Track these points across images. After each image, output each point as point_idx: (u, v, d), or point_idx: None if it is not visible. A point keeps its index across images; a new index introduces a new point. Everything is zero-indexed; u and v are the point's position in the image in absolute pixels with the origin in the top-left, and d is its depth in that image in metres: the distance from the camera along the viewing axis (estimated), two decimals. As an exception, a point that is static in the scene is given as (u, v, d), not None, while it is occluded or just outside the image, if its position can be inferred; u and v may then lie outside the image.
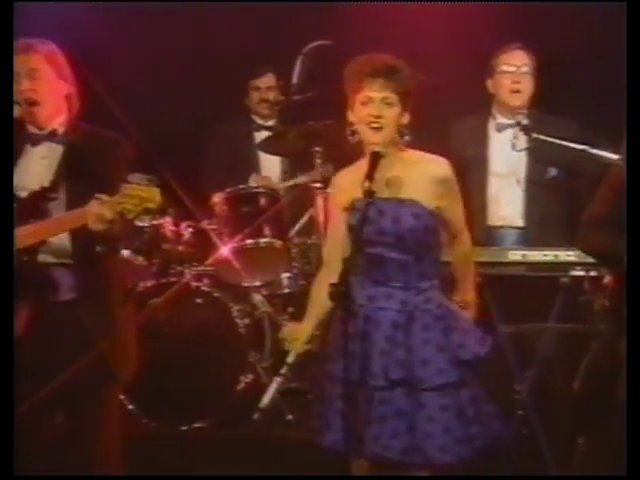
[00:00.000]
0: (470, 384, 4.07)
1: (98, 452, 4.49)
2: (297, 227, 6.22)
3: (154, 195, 4.13)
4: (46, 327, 4.32)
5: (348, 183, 4.16)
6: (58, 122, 4.42)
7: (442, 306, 4.13)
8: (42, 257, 4.31)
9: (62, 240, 4.30)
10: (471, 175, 5.79)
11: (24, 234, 4.26)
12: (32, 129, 4.41)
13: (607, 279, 4.54)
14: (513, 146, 5.81)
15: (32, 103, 4.35)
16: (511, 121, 5.85)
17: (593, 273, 5.23)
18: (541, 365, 5.36)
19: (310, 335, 4.19)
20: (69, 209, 4.27)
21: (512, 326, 5.18)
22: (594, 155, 5.42)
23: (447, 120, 6.08)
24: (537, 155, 5.78)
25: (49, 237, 4.27)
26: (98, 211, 4.09)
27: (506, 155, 5.88)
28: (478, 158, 5.90)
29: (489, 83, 5.92)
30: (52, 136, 4.40)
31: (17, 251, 4.26)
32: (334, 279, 3.84)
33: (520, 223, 5.85)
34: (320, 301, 4.12)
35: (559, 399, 5.32)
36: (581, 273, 5.26)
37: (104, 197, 4.08)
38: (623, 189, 4.02)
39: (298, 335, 4.18)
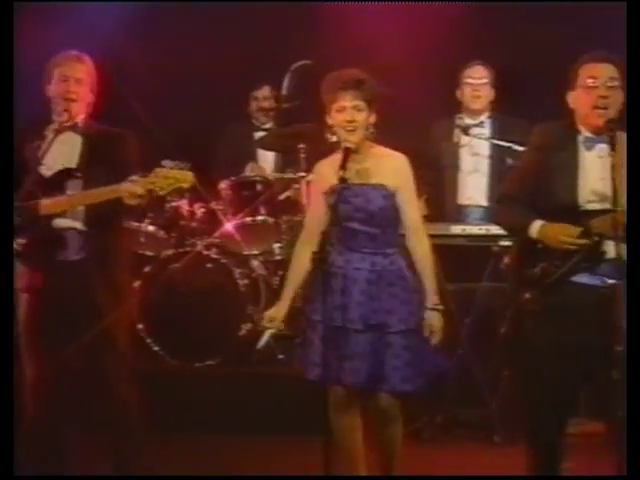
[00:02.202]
0: (422, 330, 4.04)
1: (118, 388, 4.36)
2: (280, 198, 6.13)
3: (188, 177, 4.10)
4: (57, 282, 4.21)
5: (326, 171, 4.12)
6: (80, 118, 4.33)
7: (401, 269, 4.09)
8: (56, 222, 4.20)
9: (78, 209, 4.22)
10: (444, 165, 5.86)
11: (52, 204, 4.17)
12: (58, 119, 4.28)
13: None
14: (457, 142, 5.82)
15: (72, 100, 4.27)
16: (475, 122, 5.85)
17: None
18: (477, 314, 5.36)
19: (285, 316, 4.12)
20: (86, 187, 4.20)
21: (454, 284, 5.16)
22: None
23: (422, 122, 6.04)
24: (497, 148, 5.74)
25: (80, 206, 4.19)
26: (132, 189, 4.04)
27: (472, 149, 5.87)
28: (450, 151, 5.89)
29: (458, 92, 5.93)
30: (73, 128, 4.31)
31: (39, 217, 4.14)
32: (314, 249, 3.84)
33: (483, 203, 5.82)
34: (300, 269, 4.11)
35: (490, 341, 5.30)
36: (508, 243, 5.06)
37: (136, 177, 4.03)
38: (528, 174, 3.96)
39: (276, 316, 4.13)
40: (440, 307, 4.07)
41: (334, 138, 4.10)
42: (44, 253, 4.23)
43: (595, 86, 3.81)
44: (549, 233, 3.82)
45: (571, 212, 3.83)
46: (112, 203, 4.13)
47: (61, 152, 4.28)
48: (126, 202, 4.07)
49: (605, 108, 3.80)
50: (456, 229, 5.37)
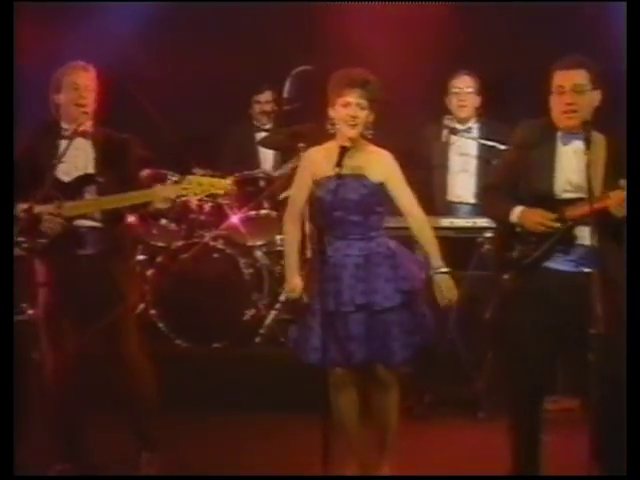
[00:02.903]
0: (411, 306, 4.05)
1: (135, 369, 4.39)
2: (282, 196, 5.99)
3: (223, 184, 4.16)
4: (77, 274, 4.25)
5: (316, 158, 4.14)
6: (89, 125, 4.33)
7: (389, 249, 4.09)
8: (78, 222, 4.23)
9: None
10: (434, 164, 5.82)
11: (76, 206, 4.20)
12: (66, 126, 4.29)
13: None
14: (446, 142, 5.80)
15: (83, 107, 4.27)
16: (463, 127, 5.81)
17: None
18: (463, 301, 5.08)
19: (300, 282, 4.11)
20: (100, 190, 4.23)
21: None
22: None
23: (414, 124, 6.02)
24: (483, 149, 5.73)
25: (111, 207, 4.21)
26: (164, 193, 4.12)
27: (460, 150, 5.84)
28: (439, 152, 5.85)
29: (446, 99, 5.89)
30: (84, 134, 4.30)
31: (65, 218, 4.16)
32: (296, 219, 3.99)
33: (471, 200, 5.77)
34: (293, 240, 4.20)
35: (475, 325, 5.31)
36: (492, 234, 5.00)
37: (169, 183, 4.08)
38: (511, 166, 4.01)
39: (293, 286, 4.13)
40: (444, 269, 4.08)
41: (333, 130, 4.09)
42: (65, 249, 4.24)
43: (563, 92, 3.85)
44: (527, 217, 3.87)
45: (548, 200, 3.88)
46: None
47: (75, 158, 4.30)
48: (157, 206, 4.15)
49: (574, 111, 3.84)
50: (445, 222, 5.36)
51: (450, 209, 5.83)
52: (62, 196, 4.20)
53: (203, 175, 4.14)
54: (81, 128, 4.29)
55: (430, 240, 4.13)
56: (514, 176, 3.98)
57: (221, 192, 4.18)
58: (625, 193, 3.68)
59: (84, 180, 4.27)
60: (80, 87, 4.29)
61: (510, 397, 4.05)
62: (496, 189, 4.06)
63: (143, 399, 4.42)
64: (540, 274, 3.87)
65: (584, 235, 3.78)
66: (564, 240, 3.82)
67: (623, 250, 3.82)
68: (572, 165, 3.84)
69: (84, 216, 4.24)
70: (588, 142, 3.75)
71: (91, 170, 4.28)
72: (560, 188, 3.88)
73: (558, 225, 3.82)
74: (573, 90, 3.84)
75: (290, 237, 4.22)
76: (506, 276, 3.93)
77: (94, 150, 4.32)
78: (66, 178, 4.26)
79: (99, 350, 4.35)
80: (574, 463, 3.78)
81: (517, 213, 3.90)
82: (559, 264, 3.86)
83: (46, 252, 4.23)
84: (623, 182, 3.69)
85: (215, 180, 4.15)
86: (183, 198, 4.17)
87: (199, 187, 4.11)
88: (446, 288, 4.07)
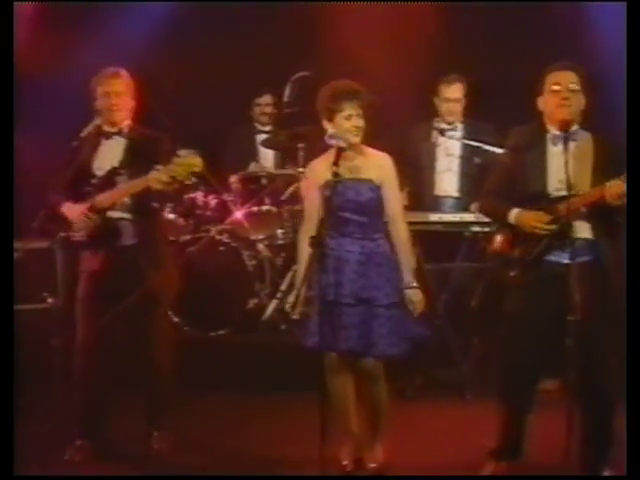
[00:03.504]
0: (405, 305, 4.07)
1: (157, 354, 4.50)
2: (284, 195, 6.17)
3: (198, 160, 4.20)
4: (115, 264, 4.35)
5: (319, 168, 4.14)
6: (125, 124, 4.47)
7: (389, 250, 4.12)
8: (110, 213, 4.35)
9: (126, 201, 4.35)
10: (423, 163, 5.83)
11: (104, 198, 4.31)
12: (107, 128, 4.45)
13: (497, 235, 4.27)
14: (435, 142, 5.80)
15: (114, 110, 4.42)
16: (450, 127, 5.77)
17: (487, 229, 5.04)
18: (451, 290, 5.40)
19: (303, 301, 4.00)
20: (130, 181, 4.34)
21: (432, 265, 5.20)
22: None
23: (404, 125, 6.02)
24: (467, 149, 5.72)
25: (123, 198, 4.32)
26: (157, 176, 4.18)
27: (447, 150, 5.82)
28: (428, 151, 5.85)
29: (436, 100, 5.84)
30: (119, 133, 4.45)
31: (95, 210, 4.29)
32: (313, 233, 3.83)
33: (456, 194, 5.79)
34: (306, 256, 4.04)
35: (463, 313, 5.35)
36: (478, 229, 5.29)
37: (160, 167, 4.16)
38: (506, 171, 4.06)
39: (295, 302, 4.02)
40: (415, 285, 4.10)
41: (332, 141, 4.04)
42: (104, 240, 4.36)
43: (559, 90, 3.91)
44: (524, 219, 3.92)
45: (543, 199, 3.93)
46: (151, 195, 4.28)
47: (109, 154, 4.43)
48: (153, 187, 4.20)
49: (569, 105, 3.90)
50: (434, 217, 5.38)
51: (436, 203, 5.83)
52: (96, 190, 4.33)
53: (186, 155, 4.17)
54: (114, 129, 4.43)
55: (408, 254, 4.15)
56: (510, 180, 4.03)
57: (198, 169, 4.20)
58: (620, 183, 3.71)
59: (112, 174, 4.37)
60: (111, 94, 4.41)
61: (506, 379, 4.05)
62: (493, 193, 4.09)
63: (159, 382, 4.52)
64: (541, 267, 3.91)
65: (579, 229, 3.82)
66: (561, 235, 3.84)
67: (616, 241, 3.91)
68: (562, 165, 3.85)
69: (116, 208, 4.34)
70: (574, 140, 3.83)
71: (116, 164, 4.38)
72: (552, 187, 3.92)
73: (552, 227, 3.86)
74: (568, 88, 3.90)
75: (302, 252, 4.08)
76: (512, 273, 3.96)
77: (126, 146, 4.43)
78: (99, 172, 4.39)
79: (125, 334, 4.47)
80: (553, 440, 3.83)
81: (514, 215, 3.95)
82: (557, 257, 3.88)
83: (88, 243, 4.36)
84: (622, 177, 3.71)
85: (191, 158, 4.18)
86: (174, 180, 4.20)
87: (181, 167, 4.16)
88: (417, 301, 4.10)
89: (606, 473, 3.84)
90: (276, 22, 6.62)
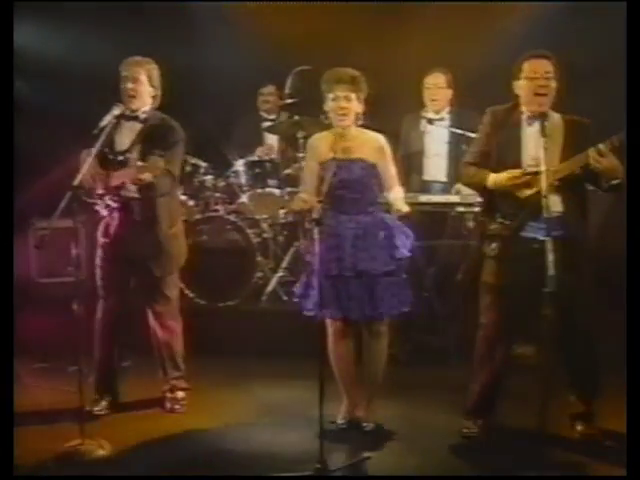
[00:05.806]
0: (399, 272, 4.12)
1: (166, 319, 4.54)
2: (283, 174, 6.21)
3: (162, 164, 4.17)
4: (129, 235, 4.39)
5: (318, 145, 4.19)
6: (143, 110, 4.45)
7: (384, 222, 4.14)
8: (124, 192, 4.35)
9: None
10: (412, 150, 5.81)
11: (118, 176, 4.29)
12: (127, 111, 4.40)
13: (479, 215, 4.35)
14: (424, 130, 5.79)
15: (131, 96, 4.39)
16: (437, 117, 5.77)
17: (471, 209, 5.27)
18: (438, 265, 5.42)
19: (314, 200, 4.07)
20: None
21: (421, 242, 4.82)
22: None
23: (397, 115, 5.94)
24: (454, 136, 5.69)
25: (129, 179, 4.29)
26: (142, 171, 4.20)
27: (435, 137, 5.80)
28: (418, 138, 5.83)
29: (423, 91, 5.84)
30: (137, 118, 4.43)
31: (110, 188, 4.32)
32: (310, 193, 4.00)
33: (443, 179, 5.79)
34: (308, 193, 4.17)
35: (449, 285, 5.37)
36: (462, 209, 5.35)
37: (156, 157, 4.18)
38: (484, 145, 4.07)
39: (307, 198, 4.13)
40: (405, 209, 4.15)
41: (328, 121, 4.14)
42: (119, 214, 4.39)
43: (536, 77, 3.94)
44: (500, 180, 3.97)
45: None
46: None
47: (125, 136, 4.42)
48: (142, 177, 4.20)
49: (544, 95, 3.94)
50: (423, 198, 5.41)
51: (426, 187, 5.82)
52: (112, 168, 4.33)
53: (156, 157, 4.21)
54: (135, 113, 4.40)
55: (400, 200, 4.18)
56: (487, 153, 4.06)
57: (158, 172, 4.19)
58: (600, 147, 3.74)
59: (125, 154, 4.37)
60: (129, 80, 4.38)
61: (484, 344, 4.06)
62: (472, 164, 4.13)
63: (171, 348, 4.58)
64: (517, 242, 3.94)
65: (552, 204, 3.79)
66: (534, 210, 3.84)
67: (585, 215, 3.96)
68: (535, 143, 3.87)
69: (126, 188, 4.34)
70: (543, 125, 3.83)
71: (125, 147, 4.39)
72: (525, 163, 3.95)
73: (525, 178, 3.89)
74: (543, 77, 3.94)
75: (304, 195, 4.18)
76: (492, 246, 4.00)
77: (140, 130, 4.42)
78: (119, 151, 4.40)
79: (139, 302, 4.50)
80: (526, 401, 3.85)
81: (492, 180, 3.99)
82: (533, 233, 3.90)
83: (105, 218, 4.42)
84: (600, 145, 3.76)
85: (158, 161, 4.18)
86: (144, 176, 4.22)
87: (153, 167, 4.17)
88: (401, 205, 4.14)
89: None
90: (277, 21, 6.56)
